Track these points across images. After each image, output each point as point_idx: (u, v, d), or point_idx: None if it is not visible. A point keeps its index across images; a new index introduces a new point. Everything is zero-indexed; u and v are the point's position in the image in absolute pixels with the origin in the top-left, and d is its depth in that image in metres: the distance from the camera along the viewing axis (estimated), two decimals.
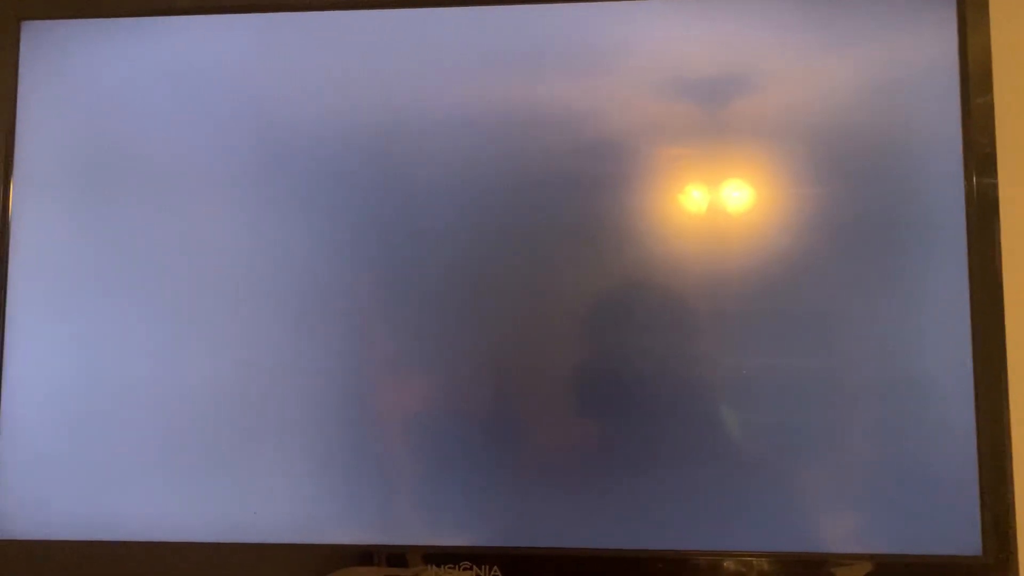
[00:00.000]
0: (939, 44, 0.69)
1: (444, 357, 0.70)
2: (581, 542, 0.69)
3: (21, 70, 0.75)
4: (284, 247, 0.72)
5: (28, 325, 0.73)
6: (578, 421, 0.70)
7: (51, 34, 0.75)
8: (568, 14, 0.72)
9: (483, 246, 0.71)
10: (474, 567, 0.68)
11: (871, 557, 0.67)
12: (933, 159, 0.69)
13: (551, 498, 0.69)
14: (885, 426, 0.68)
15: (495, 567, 0.68)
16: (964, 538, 0.66)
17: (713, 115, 0.71)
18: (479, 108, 0.72)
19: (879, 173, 0.69)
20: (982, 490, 0.66)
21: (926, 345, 0.68)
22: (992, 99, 0.68)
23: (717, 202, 0.70)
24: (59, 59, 0.75)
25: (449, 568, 0.69)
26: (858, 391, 0.68)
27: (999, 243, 0.67)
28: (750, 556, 0.67)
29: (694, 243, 0.70)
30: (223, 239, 0.73)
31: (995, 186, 0.68)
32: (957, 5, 0.69)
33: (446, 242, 0.71)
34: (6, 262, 0.73)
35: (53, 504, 0.72)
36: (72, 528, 0.72)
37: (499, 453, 0.70)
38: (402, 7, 0.73)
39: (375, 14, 0.73)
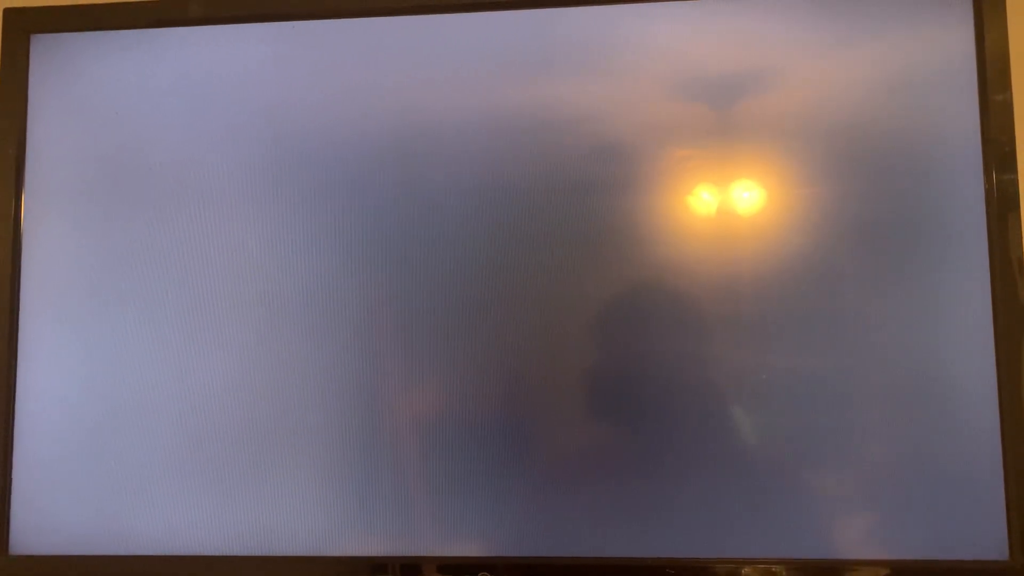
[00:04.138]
0: (956, 41, 0.68)
1: (457, 366, 0.70)
2: (597, 551, 0.68)
3: (31, 83, 0.75)
4: (297, 257, 0.72)
5: (41, 339, 0.73)
6: (593, 429, 0.69)
7: (61, 47, 0.75)
8: (578, 17, 0.71)
9: (496, 251, 0.70)
10: None
11: (894, 563, 0.66)
12: (952, 157, 0.68)
13: (567, 507, 0.68)
14: (907, 429, 0.67)
15: None
16: (990, 542, 0.65)
17: (727, 116, 0.70)
18: (490, 113, 0.71)
19: (896, 172, 0.68)
20: (1008, 493, 0.65)
21: (948, 346, 0.67)
22: (1011, 96, 0.67)
23: (732, 204, 0.70)
24: (69, 72, 0.75)
25: None
26: (879, 394, 0.67)
27: (1021, 240, 0.66)
28: (770, 563, 0.66)
29: (712, 246, 0.69)
30: (236, 249, 0.72)
31: (1015, 183, 0.67)
32: (974, 2, 0.68)
33: (459, 249, 0.70)
34: (18, 274, 0.73)
35: (67, 519, 0.72)
36: (86, 543, 0.71)
37: (514, 462, 0.69)
38: (412, 14, 0.73)
39: (385, 22, 0.73)
